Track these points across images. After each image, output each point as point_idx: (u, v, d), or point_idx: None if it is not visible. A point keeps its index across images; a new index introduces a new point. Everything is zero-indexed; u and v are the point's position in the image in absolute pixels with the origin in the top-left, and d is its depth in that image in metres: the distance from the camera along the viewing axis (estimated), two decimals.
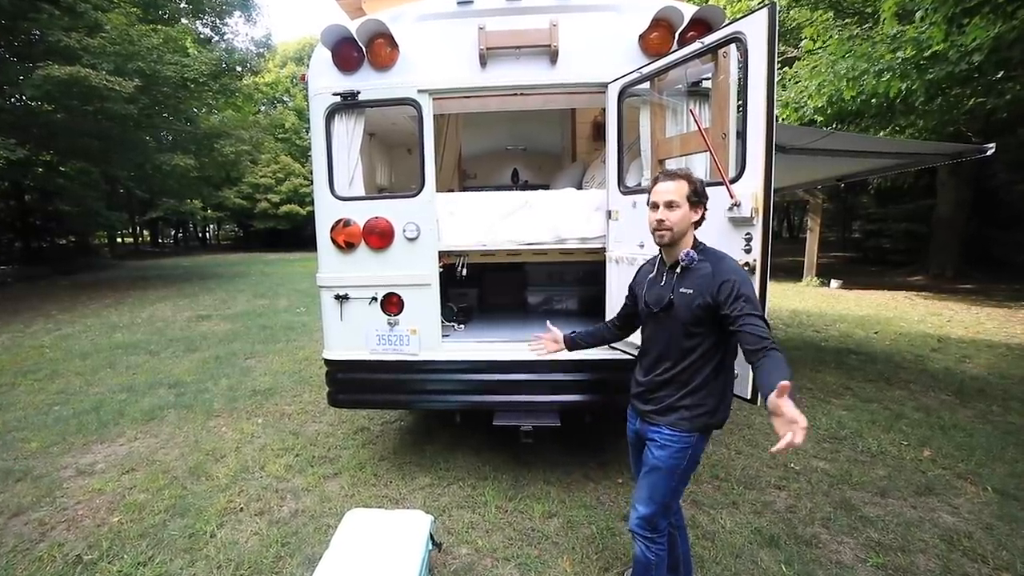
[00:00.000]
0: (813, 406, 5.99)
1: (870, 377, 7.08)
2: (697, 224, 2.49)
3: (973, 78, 9.12)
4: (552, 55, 3.77)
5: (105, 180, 26.45)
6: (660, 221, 2.42)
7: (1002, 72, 8.86)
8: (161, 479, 4.55)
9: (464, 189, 7.22)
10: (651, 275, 2.63)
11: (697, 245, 2.48)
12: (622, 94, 3.72)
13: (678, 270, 2.47)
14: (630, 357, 3.39)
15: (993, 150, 5.79)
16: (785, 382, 1.98)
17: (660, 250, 2.60)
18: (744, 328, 2.18)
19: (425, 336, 4.09)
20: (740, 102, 2.77)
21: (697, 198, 2.42)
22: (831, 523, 3.79)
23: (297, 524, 3.86)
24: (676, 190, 2.40)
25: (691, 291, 2.38)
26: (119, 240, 43.76)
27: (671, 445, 2.48)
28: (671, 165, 3.71)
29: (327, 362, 4.25)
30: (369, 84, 3.87)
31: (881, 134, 11.44)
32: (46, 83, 14.00)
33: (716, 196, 2.86)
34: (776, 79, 2.62)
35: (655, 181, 2.50)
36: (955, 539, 3.57)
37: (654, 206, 2.46)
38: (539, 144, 7.39)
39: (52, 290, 17.01)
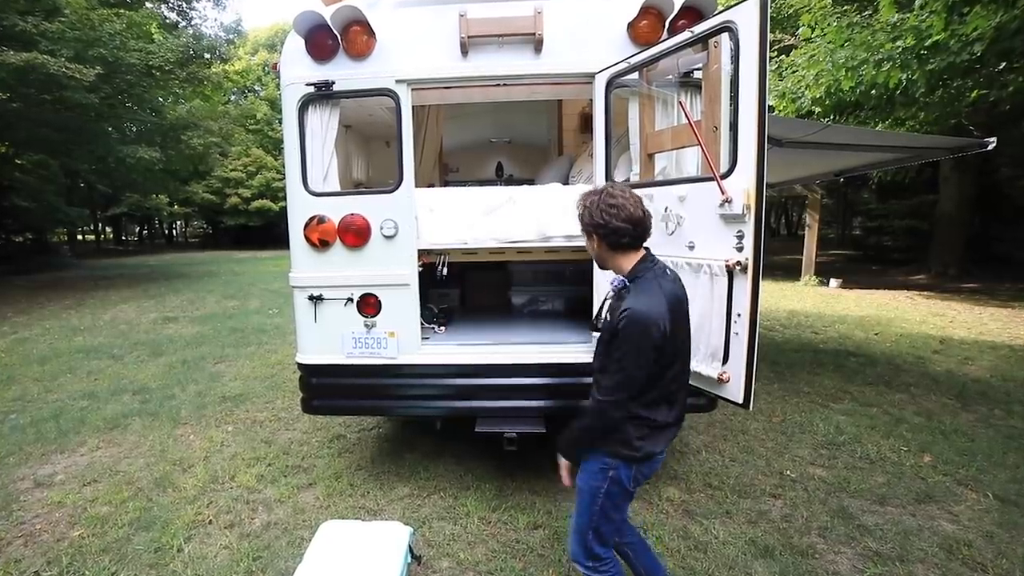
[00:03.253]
0: (811, 411, 6.05)
1: (870, 380, 7.16)
2: (617, 248, 2.40)
3: (975, 69, 9.24)
4: (537, 44, 3.77)
5: (65, 174, 26.18)
6: None
7: (1004, 63, 8.98)
8: (125, 491, 4.52)
9: (446, 184, 7.21)
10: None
11: (637, 272, 2.38)
12: (610, 85, 3.73)
13: (610, 294, 2.50)
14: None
15: (994, 144, 5.86)
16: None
17: None
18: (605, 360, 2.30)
19: (404, 339, 4.08)
20: (732, 94, 2.80)
21: (588, 229, 2.43)
22: (828, 532, 3.83)
23: (269, 537, 3.85)
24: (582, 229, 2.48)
25: (610, 318, 2.37)
26: (80, 237, 43.39)
27: (590, 467, 2.49)
28: (660, 159, 3.75)
29: (301, 366, 4.23)
30: (344, 74, 3.86)
31: (880, 126, 11.56)
32: (0, 70, 13.78)
33: (707, 192, 2.89)
34: (770, 69, 2.65)
35: None
36: (954, 548, 3.63)
37: None
38: (524, 136, 7.39)
39: (7, 291, 16.79)
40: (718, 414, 5.70)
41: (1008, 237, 19.12)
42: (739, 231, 2.76)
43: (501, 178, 7.11)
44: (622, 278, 2.40)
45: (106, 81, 16.44)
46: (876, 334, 10.01)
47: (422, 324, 4.24)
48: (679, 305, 2.34)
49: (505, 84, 4.10)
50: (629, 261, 2.39)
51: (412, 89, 3.93)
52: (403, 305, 4.05)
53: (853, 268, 21.80)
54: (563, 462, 2.55)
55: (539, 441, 3.90)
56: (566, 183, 5.22)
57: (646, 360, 2.22)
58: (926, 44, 8.49)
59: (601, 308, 2.60)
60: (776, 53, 13.07)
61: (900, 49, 8.76)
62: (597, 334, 2.66)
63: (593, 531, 2.52)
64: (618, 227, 2.30)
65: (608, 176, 3.83)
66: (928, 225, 19.43)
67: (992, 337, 9.62)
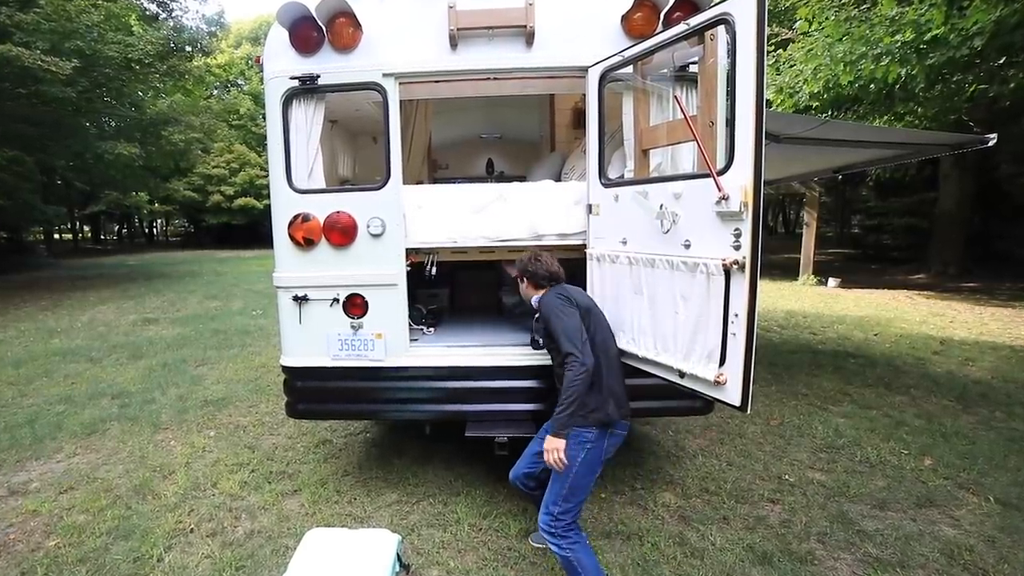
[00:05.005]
0: (810, 414, 6.07)
1: (869, 382, 7.19)
2: (538, 287, 3.48)
3: (975, 64, 9.30)
4: (528, 36, 3.76)
5: (41, 170, 25.85)
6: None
7: (1005, 58, 9.04)
8: (103, 498, 4.48)
9: (435, 181, 7.19)
10: None
11: (541, 295, 3.44)
12: (603, 79, 3.72)
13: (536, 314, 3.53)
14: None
15: (995, 140, 5.89)
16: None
17: None
18: (554, 340, 3.16)
19: (391, 341, 4.07)
20: (729, 88, 2.79)
21: (521, 275, 3.54)
22: (827, 538, 3.84)
23: (252, 546, 3.83)
24: (515, 275, 3.64)
25: (539, 322, 3.46)
26: (57, 236, 43.05)
27: (571, 439, 3.03)
28: (656, 155, 3.73)
29: (285, 369, 4.21)
30: (330, 67, 3.84)
31: (879, 122, 11.61)
32: None
33: (703, 189, 2.88)
34: (768, 63, 2.64)
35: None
36: (956, 553, 3.64)
37: None
38: (515, 132, 7.38)
39: None
40: (715, 417, 5.71)
41: (1009, 235, 19.27)
42: (736, 229, 2.75)
43: (491, 175, 7.10)
44: (535, 298, 3.47)
45: (83, 74, 16.35)
46: (875, 335, 10.06)
47: (410, 325, 4.23)
48: (569, 292, 3.38)
49: (495, 78, 4.09)
50: (540, 292, 3.47)
51: (400, 83, 3.91)
52: (391, 306, 4.03)
53: (852, 267, 21.90)
54: (559, 443, 2.96)
55: None
56: (558, 180, 5.20)
57: (568, 313, 3.17)
58: (925, 38, 8.54)
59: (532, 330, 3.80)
60: (773, 47, 13.12)
61: (899, 43, 8.80)
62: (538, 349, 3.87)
63: (563, 499, 3.07)
64: (542, 274, 3.45)
65: (602, 173, 3.83)
66: (928, 223, 19.52)
67: (993, 337, 9.68)
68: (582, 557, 3.03)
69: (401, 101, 3.99)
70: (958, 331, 10.23)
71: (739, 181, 2.68)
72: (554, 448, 2.94)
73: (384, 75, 3.84)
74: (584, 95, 3.96)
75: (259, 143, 40.34)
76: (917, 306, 13.09)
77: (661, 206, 3.23)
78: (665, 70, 3.62)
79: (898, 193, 21.73)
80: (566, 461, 2.97)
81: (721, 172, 2.79)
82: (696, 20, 2.97)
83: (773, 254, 25.61)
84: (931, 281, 17.10)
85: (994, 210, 19.81)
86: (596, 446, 3.08)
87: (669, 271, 3.18)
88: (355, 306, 4.04)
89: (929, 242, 19.03)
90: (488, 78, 4.09)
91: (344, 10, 3.71)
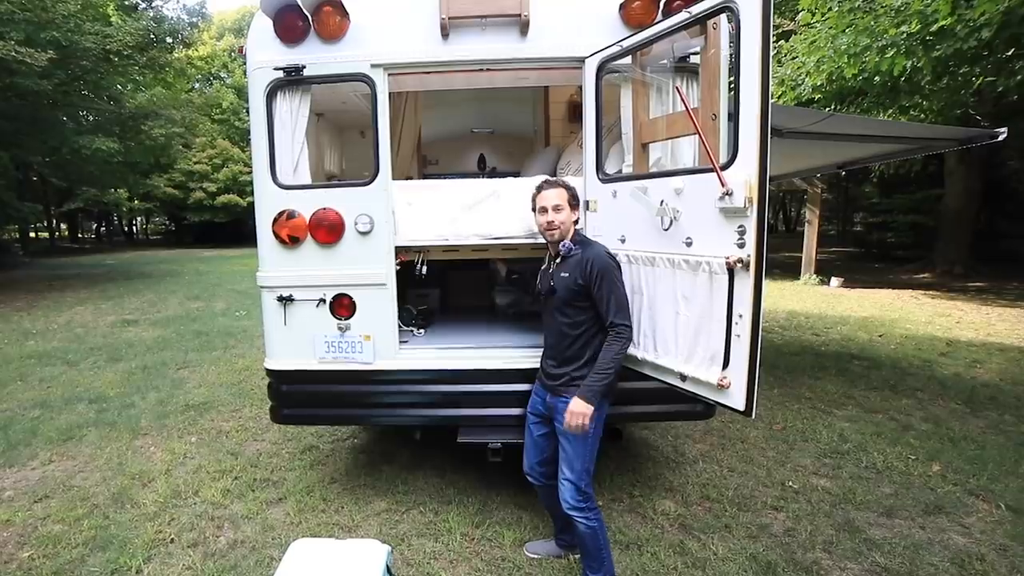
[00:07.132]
0: (813, 417, 6.07)
1: (874, 385, 7.20)
2: (575, 221, 3.35)
3: (982, 56, 9.33)
4: (522, 26, 3.72)
5: (16, 166, 25.82)
6: (550, 222, 3.24)
7: (1013, 50, 9.06)
8: (79, 507, 4.44)
9: (424, 177, 7.16)
10: (543, 267, 3.50)
11: (576, 237, 3.30)
12: (601, 70, 3.69)
13: (558, 260, 3.31)
14: None
15: (1005, 135, 5.89)
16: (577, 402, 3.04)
17: (548, 245, 3.45)
18: (600, 304, 3.09)
19: (380, 343, 4.04)
20: (732, 79, 2.76)
21: (575, 201, 3.32)
22: (833, 547, 3.82)
23: (236, 556, 3.79)
24: (559, 195, 3.25)
25: (567, 274, 3.18)
26: (33, 235, 42.81)
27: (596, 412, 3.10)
28: (655, 149, 3.71)
29: (270, 372, 4.17)
30: (316, 57, 3.79)
31: (883, 115, 11.63)
32: None
33: (706, 184, 2.86)
34: (771, 54, 2.60)
35: (539, 189, 3.33)
36: (966, 562, 3.63)
37: (543, 210, 3.27)
38: (508, 126, 7.35)
39: None
40: (715, 421, 5.71)
41: (1016, 234, 19.34)
42: (740, 226, 2.72)
43: (484, 171, 7.07)
44: (569, 244, 3.24)
45: (60, 66, 16.31)
46: (880, 336, 10.10)
47: (400, 327, 4.20)
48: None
49: (488, 69, 4.05)
50: (572, 232, 3.32)
51: (388, 74, 3.87)
52: (379, 306, 4.00)
53: (855, 266, 22.01)
54: (589, 409, 3.01)
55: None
56: (554, 176, 5.18)
57: (622, 285, 3.16)
58: (932, 29, 8.56)
59: (540, 278, 3.49)
60: (775, 38, 13.12)
61: (904, 35, 8.82)
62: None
63: (587, 473, 3.18)
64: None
65: (599, 168, 3.80)
66: (933, 221, 19.61)
67: (1000, 338, 9.72)
68: (601, 527, 3.21)
69: (390, 93, 3.95)
70: (965, 332, 10.27)
71: (743, 176, 2.65)
72: (582, 413, 3.00)
73: (372, 66, 3.80)
74: (580, 87, 3.92)
75: (242, 138, 40.28)
76: (922, 306, 13.14)
77: (661, 202, 3.20)
78: (665, 61, 3.60)
79: (902, 190, 21.82)
80: (590, 431, 3.07)
81: (724, 167, 2.76)
82: (698, 8, 2.94)
83: (774, 253, 25.68)
84: (936, 280, 17.18)
85: (1001, 207, 19.91)
86: (601, 415, 3.18)
87: (670, 270, 3.16)
88: (342, 307, 4.00)
89: (934, 240, 19.11)
90: (480, 69, 4.05)
91: None
